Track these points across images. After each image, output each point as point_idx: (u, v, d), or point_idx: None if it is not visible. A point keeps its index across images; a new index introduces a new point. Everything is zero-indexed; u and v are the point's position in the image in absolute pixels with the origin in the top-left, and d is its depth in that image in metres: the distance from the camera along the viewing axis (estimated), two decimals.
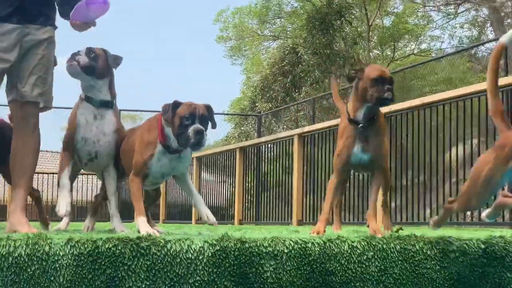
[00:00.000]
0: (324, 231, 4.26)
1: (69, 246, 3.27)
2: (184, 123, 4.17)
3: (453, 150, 7.95)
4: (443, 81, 20.95)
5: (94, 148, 4.82)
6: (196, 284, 3.38)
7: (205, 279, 3.39)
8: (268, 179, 11.57)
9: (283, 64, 24.94)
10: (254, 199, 11.88)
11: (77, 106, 4.88)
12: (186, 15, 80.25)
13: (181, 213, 14.02)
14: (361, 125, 4.30)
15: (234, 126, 26.54)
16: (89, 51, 4.78)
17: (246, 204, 12.06)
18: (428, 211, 8.34)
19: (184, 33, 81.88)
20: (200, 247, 3.42)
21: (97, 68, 4.75)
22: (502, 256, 3.82)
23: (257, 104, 25.10)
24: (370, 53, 29.85)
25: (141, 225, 4.29)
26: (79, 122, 4.81)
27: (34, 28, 4.54)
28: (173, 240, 3.45)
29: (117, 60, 4.88)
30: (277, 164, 11.08)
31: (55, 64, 4.72)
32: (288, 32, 33.82)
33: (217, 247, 3.44)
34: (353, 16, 27.48)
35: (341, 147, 4.38)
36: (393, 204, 7.26)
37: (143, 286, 3.31)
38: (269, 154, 11.74)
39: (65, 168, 4.81)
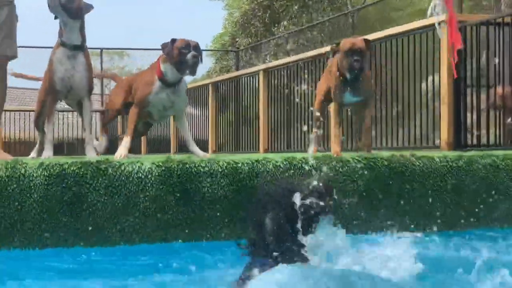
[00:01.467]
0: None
1: (41, 169, 4.03)
2: (182, 52, 5.24)
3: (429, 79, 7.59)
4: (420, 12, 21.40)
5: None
6: (146, 198, 4.16)
7: (153, 194, 4.17)
8: (244, 112, 12.19)
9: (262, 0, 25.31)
10: (232, 131, 12.54)
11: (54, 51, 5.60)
12: None
13: (161, 146, 14.70)
14: None
15: (215, 61, 27.05)
16: None
17: (222, 136, 12.75)
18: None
19: None
20: (148, 168, 4.19)
21: (73, 7, 5.41)
22: (402, 171, 4.62)
23: (237, 40, 25.57)
24: None
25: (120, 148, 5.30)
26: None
27: None
28: (127, 162, 4.21)
29: (89, 7, 5.58)
30: (252, 98, 11.67)
31: (17, 20, 5.53)
32: None
33: (163, 168, 4.21)
34: None
35: None
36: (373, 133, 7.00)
37: (103, 200, 4.09)
38: (244, 88, 12.29)
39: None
